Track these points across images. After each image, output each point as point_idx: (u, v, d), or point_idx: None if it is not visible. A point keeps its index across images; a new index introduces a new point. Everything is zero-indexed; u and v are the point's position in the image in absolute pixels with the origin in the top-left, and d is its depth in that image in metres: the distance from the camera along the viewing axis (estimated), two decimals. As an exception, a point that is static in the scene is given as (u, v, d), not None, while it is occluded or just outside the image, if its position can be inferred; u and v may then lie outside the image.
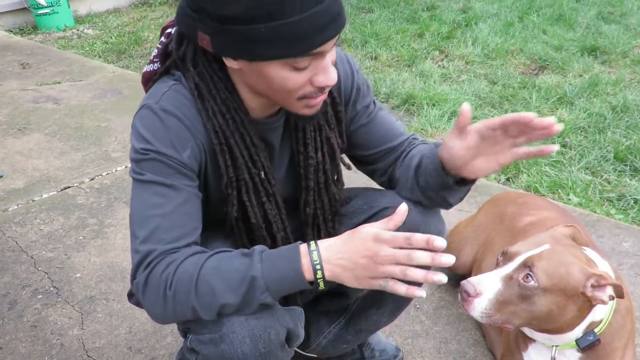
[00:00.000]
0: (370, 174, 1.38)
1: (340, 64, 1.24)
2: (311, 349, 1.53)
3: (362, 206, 1.34)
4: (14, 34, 5.83)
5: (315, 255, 0.98)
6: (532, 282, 1.18)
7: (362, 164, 1.37)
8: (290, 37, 0.91)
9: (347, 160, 1.35)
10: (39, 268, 2.18)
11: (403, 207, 0.98)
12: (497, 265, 1.28)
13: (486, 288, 1.21)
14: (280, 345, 1.06)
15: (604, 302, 1.19)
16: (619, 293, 1.18)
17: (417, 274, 0.95)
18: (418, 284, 0.99)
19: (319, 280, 0.98)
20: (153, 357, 1.74)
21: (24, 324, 1.89)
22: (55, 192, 2.72)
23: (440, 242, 0.93)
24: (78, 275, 2.13)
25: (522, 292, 1.19)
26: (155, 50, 1.14)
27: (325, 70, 0.99)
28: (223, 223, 1.19)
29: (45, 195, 2.70)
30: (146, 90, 1.17)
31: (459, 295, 1.24)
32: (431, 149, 1.20)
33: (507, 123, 1.00)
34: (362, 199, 1.36)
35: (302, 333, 1.14)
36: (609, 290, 1.18)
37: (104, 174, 2.88)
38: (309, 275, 0.98)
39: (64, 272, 2.15)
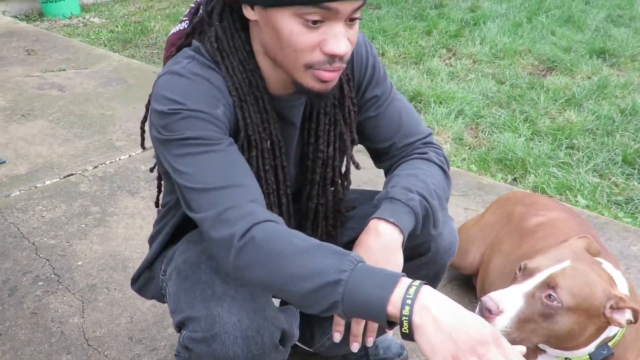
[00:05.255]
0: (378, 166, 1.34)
1: (357, 46, 1.19)
2: (315, 348, 1.51)
3: (374, 210, 1.31)
4: (20, 20, 5.80)
5: (412, 291, 0.84)
6: (555, 302, 1.15)
7: (370, 153, 1.32)
8: None
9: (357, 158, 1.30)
10: (40, 255, 2.16)
11: None
12: (515, 279, 1.24)
13: (508, 305, 1.17)
14: (274, 347, 1.03)
15: (620, 325, 1.17)
16: (637, 317, 1.16)
17: None
18: None
19: (404, 319, 0.83)
20: (154, 347, 1.72)
21: (24, 311, 1.87)
22: (58, 179, 2.70)
23: None
24: (79, 263, 2.11)
25: (545, 311, 1.16)
26: (187, 10, 1.13)
27: (336, 37, 0.94)
28: None
29: (48, 182, 2.67)
30: (167, 55, 1.14)
31: (478, 311, 1.20)
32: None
33: None
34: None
35: (296, 333, 1.12)
36: (628, 314, 1.16)
37: (107, 162, 2.86)
38: (393, 308, 0.84)
39: (65, 260, 2.13)
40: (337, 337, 1.12)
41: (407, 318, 0.83)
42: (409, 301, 0.83)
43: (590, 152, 2.93)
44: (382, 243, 1.05)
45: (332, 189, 1.25)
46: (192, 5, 1.14)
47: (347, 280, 0.86)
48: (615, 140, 3.04)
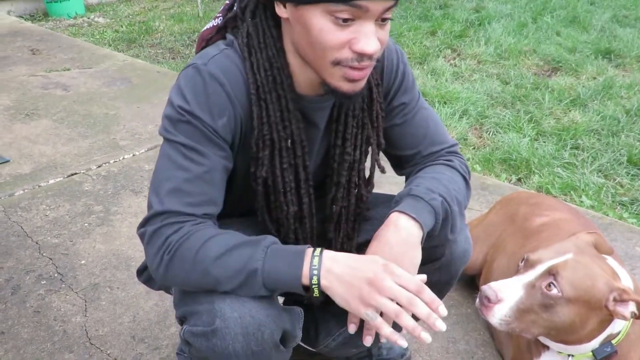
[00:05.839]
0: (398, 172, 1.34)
1: (388, 52, 1.19)
2: (319, 349, 1.50)
3: (395, 206, 1.31)
4: (25, 19, 5.82)
5: (316, 261, 0.97)
6: (555, 291, 1.15)
7: (391, 159, 1.32)
8: None
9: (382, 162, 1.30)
10: (44, 254, 2.16)
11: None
12: (518, 271, 1.24)
13: (508, 295, 1.17)
14: (274, 345, 1.03)
15: (625, 318, 1.16)
16: None
17: (409, 322, 0.95)
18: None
19: (313, 287, 0.97)
20: (156, 347, 1.72)
21: (27, 310, 1.88)
22: (61, 179, 2.70)
23: (443, 310, 0.96)
24: (83, 262, 2.11)
25: (545, 301, 1.16)
26: (222, 7, 1.16)
27: (366, 36, 0.94)
28: (243, 203, 1.17)
29: (51, 181, 2.68)
30: (198, 49, 1.16)
31: (478, 300, 1.20)
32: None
33: None
34: (388, 207, 1.32)
35: (299, 334, 1.11)
36: (632, 306, 1.15)
37: (111, 161, 2.86)
38: (305, 280, 0.97)
39: (68, 259, 2.13)
40: (352, 328, 1.12)
41: (316, 284, 0.97)
42: (315, 271, 0.97)
43: (595, 153, 2.92)
44: (401, 237, 1.07)
45: (356, 191, 1.24)
46: (227, 1, 1.15)
47: (262, 268, 0.96)
48: (621, 140, 3.03)
